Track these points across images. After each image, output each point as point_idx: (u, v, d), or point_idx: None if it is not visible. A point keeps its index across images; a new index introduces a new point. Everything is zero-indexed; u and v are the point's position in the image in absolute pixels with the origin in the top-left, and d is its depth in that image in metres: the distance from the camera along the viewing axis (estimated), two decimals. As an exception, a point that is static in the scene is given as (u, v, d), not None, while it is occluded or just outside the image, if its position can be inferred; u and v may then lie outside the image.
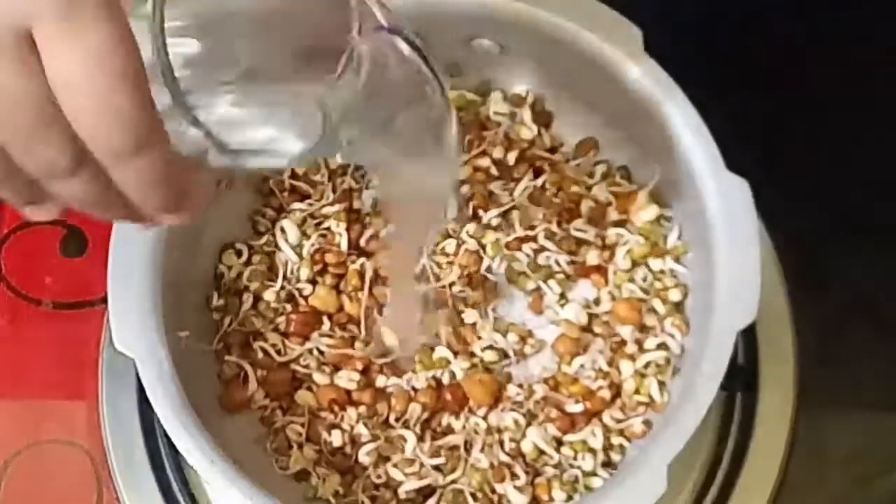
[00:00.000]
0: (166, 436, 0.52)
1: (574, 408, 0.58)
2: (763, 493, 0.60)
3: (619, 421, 0.58)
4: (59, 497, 0.64)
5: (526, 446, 0.57)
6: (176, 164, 0.35)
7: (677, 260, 0.60)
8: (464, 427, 0.58)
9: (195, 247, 0.60)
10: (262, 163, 0.41)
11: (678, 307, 0.59)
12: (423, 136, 0.47)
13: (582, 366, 0.59)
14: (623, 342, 0.59)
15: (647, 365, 0.58)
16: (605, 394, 0.58)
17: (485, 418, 0.58)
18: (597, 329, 0.60)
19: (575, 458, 0.57)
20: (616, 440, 0.58)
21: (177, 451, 0.51)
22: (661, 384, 0.58)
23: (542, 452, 0.57)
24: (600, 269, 0.61)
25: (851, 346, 0.65)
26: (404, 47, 0.41)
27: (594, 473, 0.57)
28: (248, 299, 0.61)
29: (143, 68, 0.33)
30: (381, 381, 0.59)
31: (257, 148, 0.39)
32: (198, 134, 0.36)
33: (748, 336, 0.62)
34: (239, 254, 0.62)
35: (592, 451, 0.57)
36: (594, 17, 0.56)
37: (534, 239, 0.61)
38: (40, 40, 0.32)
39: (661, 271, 0.60)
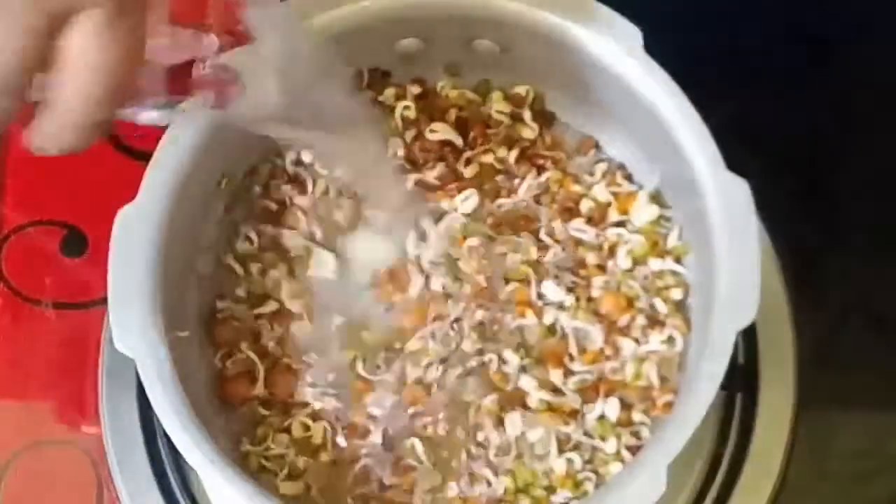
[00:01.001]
0: (166, 436, 0.52)
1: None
2: (763, 493, 0.60)
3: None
4: (59, 497, 0.64)
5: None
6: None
7: (678, 260, 0.60)
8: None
9: (196, 246, 0.60)
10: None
11: (679, 307, 0.59)
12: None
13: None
14: (620, 329, 0.59)
15: (648, 354, 0.58)
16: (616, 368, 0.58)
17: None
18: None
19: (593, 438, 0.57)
20: (637, 416, 0.57)
21: (177, 451, 0.51)
22: (665, 379, 0.58)
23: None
24: (601, 269, 0.60)
25: (851, 346, 0.65)
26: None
27: (618, 456, 0.57)
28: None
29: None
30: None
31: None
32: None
33: (748, 336, 0.62)
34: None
35: (612, 427, 0.57)
36: (594, 17, 0.56)
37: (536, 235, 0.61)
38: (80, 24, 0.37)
39: (662, 271, 0.60)
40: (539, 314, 0.59)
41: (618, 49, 0.56)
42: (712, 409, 0.50)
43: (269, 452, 0.58)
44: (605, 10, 0.56)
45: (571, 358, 0.59)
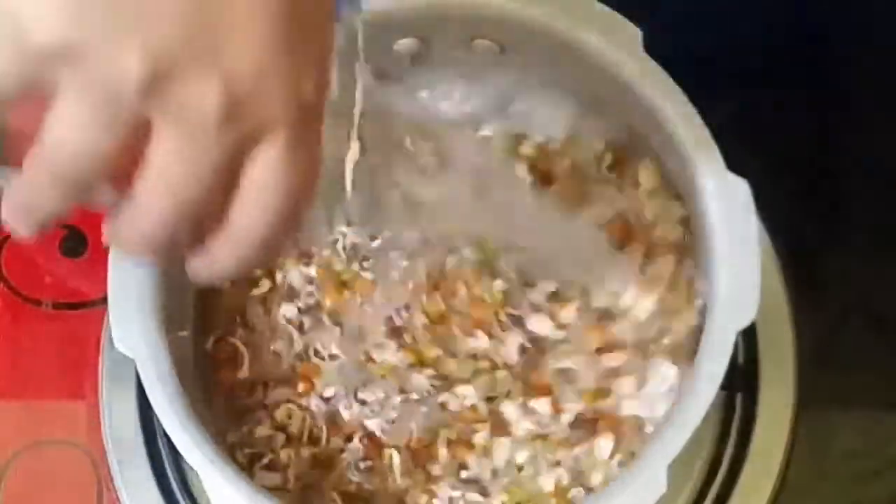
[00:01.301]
0: (166, 436, 0.52)
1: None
2: (763, 493, 0.60)
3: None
4: (59, 497, 0.64)
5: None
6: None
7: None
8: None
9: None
10: None
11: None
12: None
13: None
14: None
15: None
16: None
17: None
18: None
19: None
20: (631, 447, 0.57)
21: (177, 451, 0.51)
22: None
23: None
24: None
25: (851, 346, 0.65)
26: None
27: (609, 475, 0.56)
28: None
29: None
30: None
31: None
32: None
33: (748, 336, 0.62)
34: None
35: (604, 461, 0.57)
36: (594, 17, 0.56)
37: None
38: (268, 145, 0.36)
39: None
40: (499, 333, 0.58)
41: (618, 49, 0.56)
42: (712, 409, 0.50)
43: (254, 437, 0.58)
44: (605, 10, 0.56)
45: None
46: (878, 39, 0.71)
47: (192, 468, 0.51)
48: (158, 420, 0.51)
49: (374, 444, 0.58)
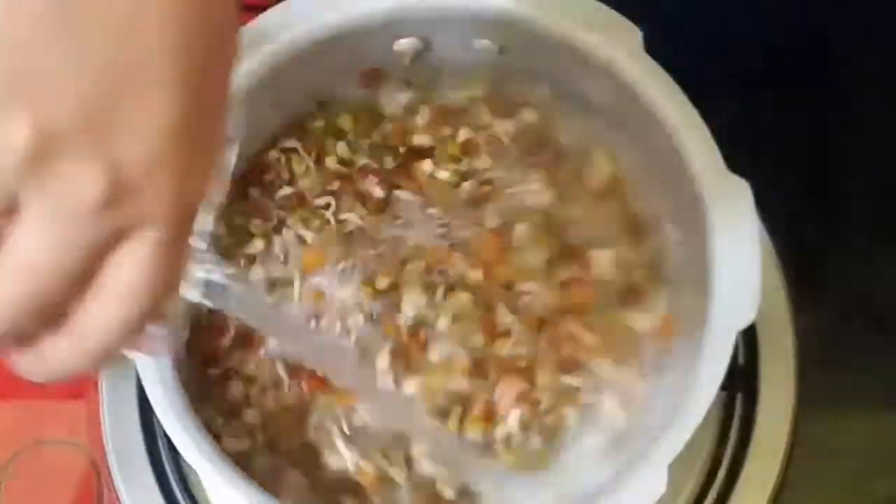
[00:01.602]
0: (166, 436, 0.52)
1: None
2: (763, 493, 0.60)
3: None
4: (59, 497, 0.64)
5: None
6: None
7: None
8: None
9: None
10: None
11: None
12: None
13: None
14: None
15: None
16: None
17: None
18: None
19: None
20: None
21: (177, 451, 0.51)
22: None
23: None
24: None
25: (851, 346, 0.65)
26: None
27: None
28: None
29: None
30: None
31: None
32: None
33: (748, 336, 0.62)
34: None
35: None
36: (594, 17, 0.56)
37: None
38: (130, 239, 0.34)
39: None
40: None
41: (618, 49, 0.56)
42: (712, 410, 0.50)
43: (225, 400, 0.58)
44: (605, 10, 0.56)
45: None
46: (878, 39, 0.71)
47: (192, 468, 0.51)
48: (158, 420, 0.51)
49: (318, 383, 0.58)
